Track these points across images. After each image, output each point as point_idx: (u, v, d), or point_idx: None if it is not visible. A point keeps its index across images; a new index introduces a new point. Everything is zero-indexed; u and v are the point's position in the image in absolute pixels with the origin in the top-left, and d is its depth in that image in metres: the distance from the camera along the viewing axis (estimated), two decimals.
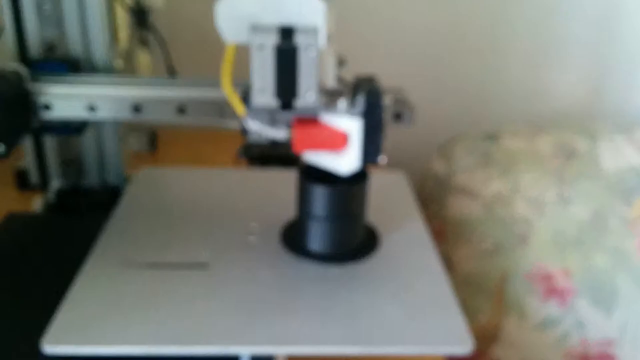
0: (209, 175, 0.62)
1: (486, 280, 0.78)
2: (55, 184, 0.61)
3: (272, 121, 0.44)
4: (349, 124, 0.43)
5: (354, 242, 0.49)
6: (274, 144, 0.68)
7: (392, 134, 0.44)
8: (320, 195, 0.46)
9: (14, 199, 0.69)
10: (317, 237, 0.47)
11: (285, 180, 0.55)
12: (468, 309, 0.77)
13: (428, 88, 1.00)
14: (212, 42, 0.93)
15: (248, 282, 0.45)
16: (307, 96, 0.40)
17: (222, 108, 0.50)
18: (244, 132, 0.46)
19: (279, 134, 0.43)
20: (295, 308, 0.42)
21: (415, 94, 0.49)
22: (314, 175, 0.47)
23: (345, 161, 0.44)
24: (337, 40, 0.42)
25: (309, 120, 0.43)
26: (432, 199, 0.86)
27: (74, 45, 0.55)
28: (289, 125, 0.43)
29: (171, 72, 0.63)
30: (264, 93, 0.40)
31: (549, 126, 0.90)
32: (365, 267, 0.47)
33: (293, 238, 0.49)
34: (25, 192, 0.68)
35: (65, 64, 0.54)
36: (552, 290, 0.77)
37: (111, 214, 0.53)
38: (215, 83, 0.50)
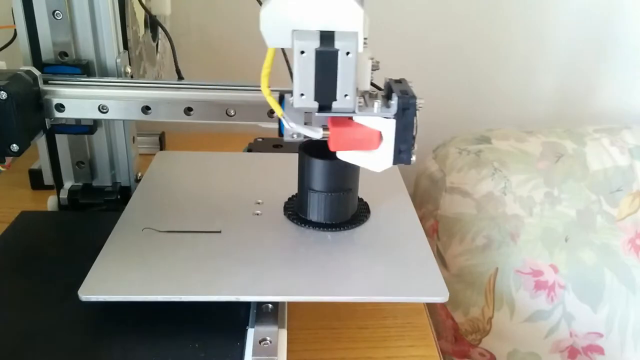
0: (218, 157, 0.67)
1: (478, 275, 0.79)
2: (68, 184, 0.62)
3: (308, 121, 0.47)
4: (382, 124, 0.44)
5: (348, 212, 0.53)
6: (277, 146, 0.71)
7: None
8: (318, 168, 0.50)
9: (28, 199, 0.70)
10: (315, 207, 0.52)
11: (288, 162, 0.59)
12: (460, 303, 0.80)
13: (422, 91, 1.02)
14: (215, 47, 0.97)
15: (256, 245, 0.49)
16: (345, 98, 0.41)
17: (227, 109, 0.52)
18: (280, 132, 0.48)
19: (314, 133, 0.44)
20: (296, 265, 0.47)
21: None
22: (312, 153, 0.50)
23: (378, 160, 0.46)
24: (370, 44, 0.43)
25: (343, 120, 0.44)
26: (427, 198, 0.87)
27: (86, 50, 0.56)
28: (324, 125, 0.45)
29: (178, 75, 0.65)
30: (304, 96, 0.41)
31: (538, 128, 0.92)
32: (358, 233, 0.52)
33: (295, 209, 0.54)
34: (40, 192, 0.70)
35: (77, 68, 0.55)
36: (541, 285, 0.79)
37: (121, 212, 0.55)
38: (221, 85, 0.53)
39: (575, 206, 0.82)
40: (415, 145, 0.45)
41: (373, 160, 0.46)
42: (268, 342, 0.43)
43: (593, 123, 0.95)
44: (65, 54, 0.56)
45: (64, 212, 0.61)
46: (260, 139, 0.73)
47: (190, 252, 0.48)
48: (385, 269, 0.47)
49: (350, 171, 0.51)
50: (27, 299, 0.47)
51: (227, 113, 0.52)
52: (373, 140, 0.44)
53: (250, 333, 0.43)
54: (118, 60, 0.57)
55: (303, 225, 0.52)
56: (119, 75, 0.57)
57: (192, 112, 0.52)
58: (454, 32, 1.00)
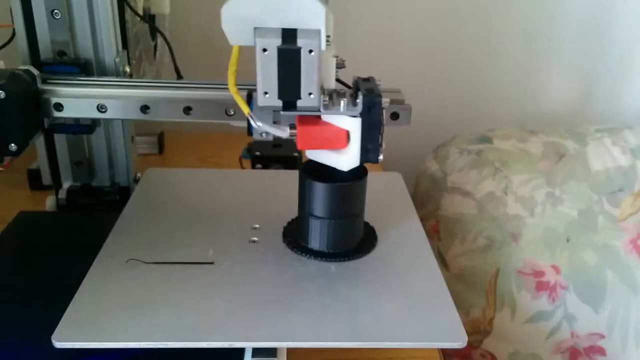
0: (212, 175, 0.63)
1: (479, 276, 0.79)
2: (67, 184, 0.62)
3: (276, 120, 0.46)
4: (349, 123, 0.43)
5: (353, 239, 0.49)
6: (277, 145, 0.71)
7: (389, 135, 0.45)
8: (320, 192, 0.47)
9: (27, 199, 0.70)
10: (317, 235, 0.48)
11: (287, 180, 0.56)
12: (461, 304, 0.80)
13: (423, 91, 1.02)
14: (215, 46, 0.96)
15: (251, 280, 0.45)
16: (309, 97, 0.41)
17: (227, 108, 0.51)
18: (249, 131, 0.47)
19: (282, 132, 0.44)
20: (297, 304, 0.43)
21: (411, 97, 0.51)
22: (314, 174, 0.47)
23: (345, 159, 0.45)
24: (335, 42, 0.43)
25: (311, 118, 0.44)
26: (427, 198, 0.86)
27: (84, 50, 0.56)
28: (292, 124, 0.44)
29: (177, 74, 0.65)
30: (268, 94, 0.41)
31: (539, 128, 0.91)
32: (364, 264, 0.48)
33: (294, 236, 0.50)
34: (38, 192, 0.69)
35: (76, 67, 0.55)
36: (543, 286, 0.79)
37: (120, 213, 0.54)
38: (220, 85, 0.53)
39: (577, 206, 0.82)
40: (384, 144, 0.44)
41: (341, 159, 0.45)
42: None
43: (594, 123, 0.95)
44: (64, 53, 0.55)
45: (62, 212, 0.61)
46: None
47: (179, 288, 0.44)
48: (396, 307, 0.43)
49: (356, 195, 0.48)
50: (25, 299, 0.47)
51: (226, 112, 0.51)
52: (340, 138, 0.44)
53: None
54: (117, 60, 0.57)
55: (304, 254, 0.48)
56: (117, 75, 0.57)
57: (191, 112, 0.51)
58: (455, 32, 0.99)
